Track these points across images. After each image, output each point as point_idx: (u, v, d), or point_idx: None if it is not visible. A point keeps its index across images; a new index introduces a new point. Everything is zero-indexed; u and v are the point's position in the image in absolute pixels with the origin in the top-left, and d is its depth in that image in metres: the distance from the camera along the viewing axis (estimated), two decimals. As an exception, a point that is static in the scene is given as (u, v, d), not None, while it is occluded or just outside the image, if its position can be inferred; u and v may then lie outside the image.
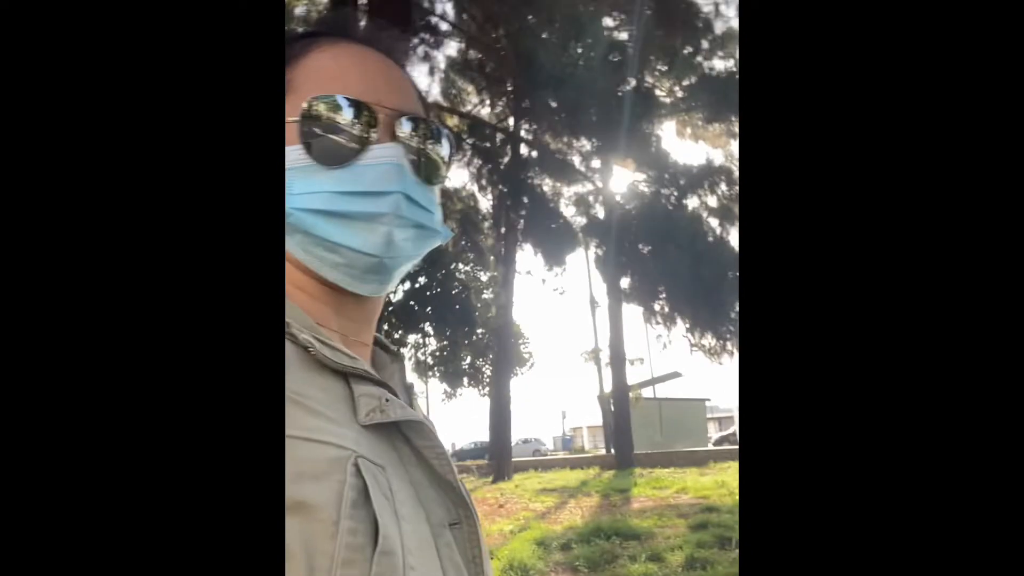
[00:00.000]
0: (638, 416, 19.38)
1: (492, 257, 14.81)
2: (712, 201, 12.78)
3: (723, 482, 9.81)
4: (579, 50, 8.83)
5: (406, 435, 0.47)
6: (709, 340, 12.81)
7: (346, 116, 0.49)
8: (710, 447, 19.71)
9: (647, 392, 22.11)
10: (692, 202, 12.76)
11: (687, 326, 12.88)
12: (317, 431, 0.41)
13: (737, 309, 12.48)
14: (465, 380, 16.52)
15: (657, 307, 13.13)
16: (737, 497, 8.20)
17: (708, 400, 26.23)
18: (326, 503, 0.38)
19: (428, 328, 14.35)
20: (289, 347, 0.45)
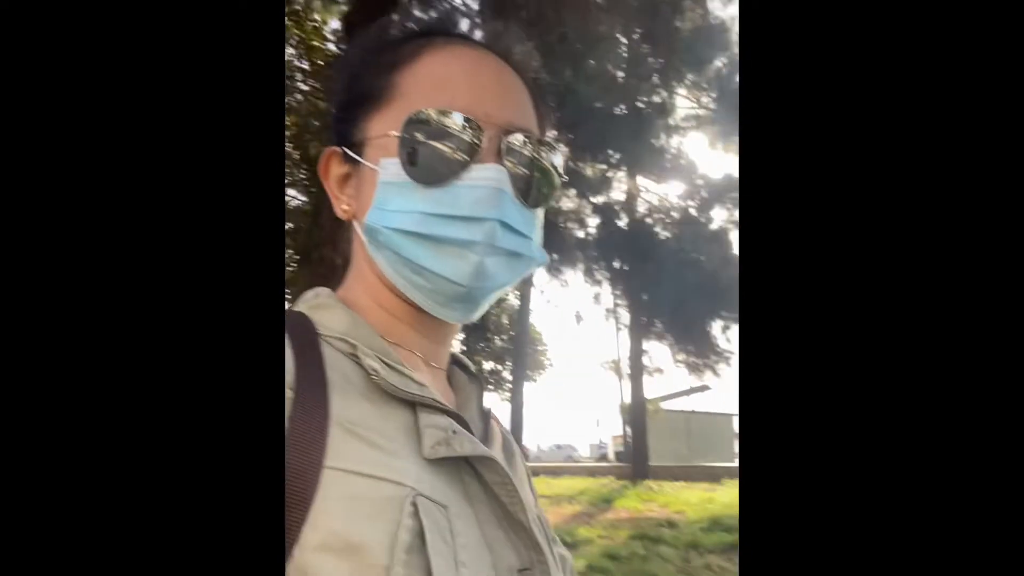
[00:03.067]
0: (665, 428, 19.17)
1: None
2: (715, 221, 12.88)
3: (711, 498, 9.80)
4: (591, 63, 8.95)
5: (476, 469, 0.44)
6: (690, 357, 12.86)
7: (448, 132, 0.46)
8: (733, 463, 19.38)
9: (674, 404, 21.82)
10: (682, 222, 12.90)
11: (671, 340, 12.96)
12: (373, 465, 0.39)
13: (716, 326, 12.57)
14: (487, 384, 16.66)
15: (645, 321, 13.24)
16: (712, 512, 8.28)
17: (736, 415, 25.51)
18: (378, 546, 0.36)
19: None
20: (352, 371, 0.43)
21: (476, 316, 0.51)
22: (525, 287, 15.18)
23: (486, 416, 0.55)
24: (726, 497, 9.95)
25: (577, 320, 18.83)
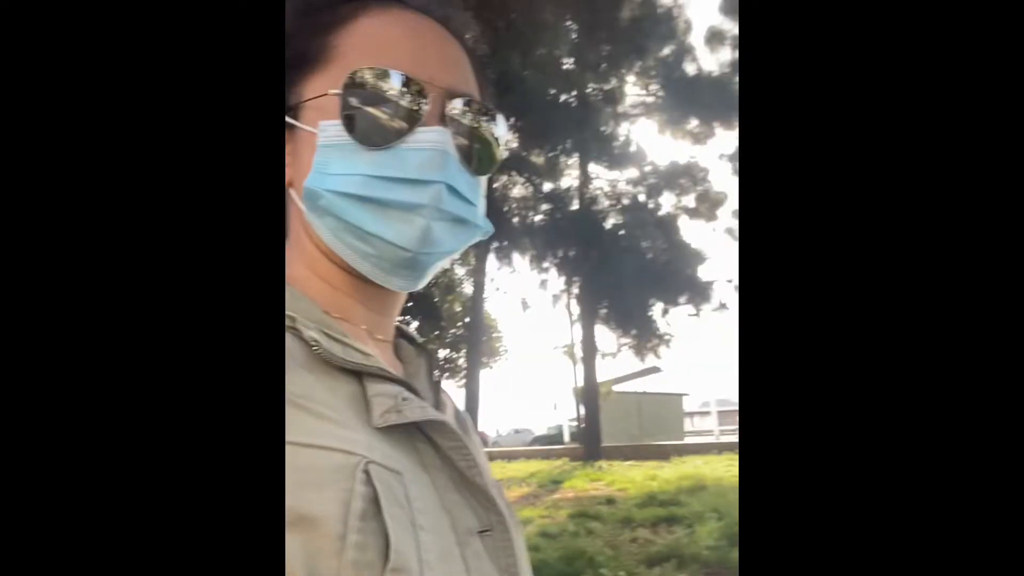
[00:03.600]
0: (617, 409, 19.59)
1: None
2: (656, 207, 13.20)
3: (654, 476, 10.01)
4: (540, 52, 8.95)
5: (429, 436, 0.43)
6: (633, 340, 13.27)
7: (393, 92, 0.44)
8: (683, 441, 20.01)
9: (626, 386, 22.28)
10: (619, 210, 13.15)
11: (615, 325, 13.35)
12: (321, 436, 0.37)
13: (657, 310, 13.00)
14: (442, 372, 16.67)
15: (594, 306, 13.58)
16: (651, 488, 8.49)
17: (687, 395, 26.42)
18: (331, 515, 0.35)
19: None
20: (292, 344, 0.42)
21: (421, 284, 0.50)
22: (478, 275, 15.18)
23: (436, 387, 0.54)
24: (668, 473, 10.17)
25: (523, 307, 18.88)
